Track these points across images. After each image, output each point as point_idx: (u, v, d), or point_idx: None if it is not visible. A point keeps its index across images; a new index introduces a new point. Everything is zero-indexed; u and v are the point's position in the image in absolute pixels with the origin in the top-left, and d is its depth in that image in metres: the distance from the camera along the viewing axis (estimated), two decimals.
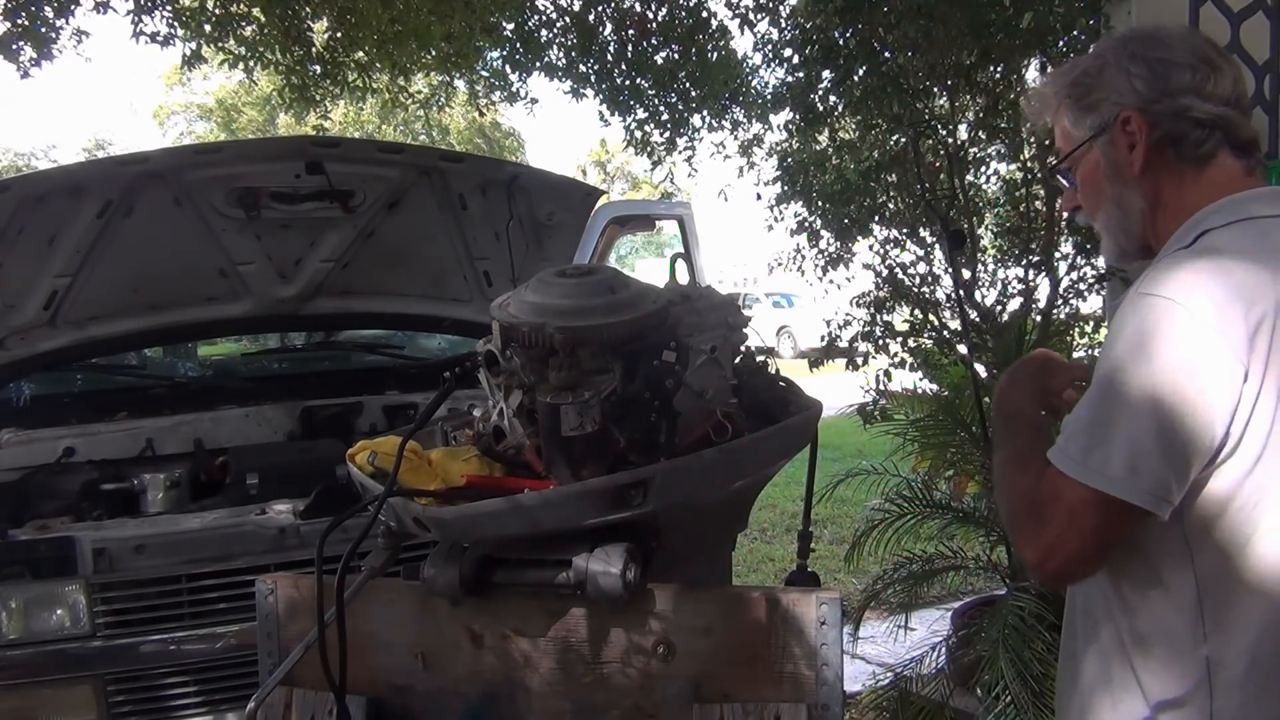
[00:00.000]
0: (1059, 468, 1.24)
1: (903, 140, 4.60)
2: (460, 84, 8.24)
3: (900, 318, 4.88)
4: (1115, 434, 1.19)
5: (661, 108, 7.06)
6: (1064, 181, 1.46)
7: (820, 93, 4.86)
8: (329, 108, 7.85)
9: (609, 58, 6.90)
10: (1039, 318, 4.43)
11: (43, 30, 5.31)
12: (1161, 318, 1.18)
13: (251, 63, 6.49)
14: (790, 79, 5.17)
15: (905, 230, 4.75)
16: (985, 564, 3.82)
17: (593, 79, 7.01)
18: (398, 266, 3.69)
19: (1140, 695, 1.28)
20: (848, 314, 4.95)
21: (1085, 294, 4.49)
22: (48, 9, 5.30)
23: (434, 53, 6.88)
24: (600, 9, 6.83)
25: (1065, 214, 1.57)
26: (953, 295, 4.46)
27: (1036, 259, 4.46)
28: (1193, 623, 1.22)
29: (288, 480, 2.90)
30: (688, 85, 7.01)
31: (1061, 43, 4.13)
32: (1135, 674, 1.28)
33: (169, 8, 5.96)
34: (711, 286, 1.91)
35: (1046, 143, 4.15)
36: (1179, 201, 1.34)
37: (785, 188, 5.05)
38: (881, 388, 4.77)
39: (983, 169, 4.88)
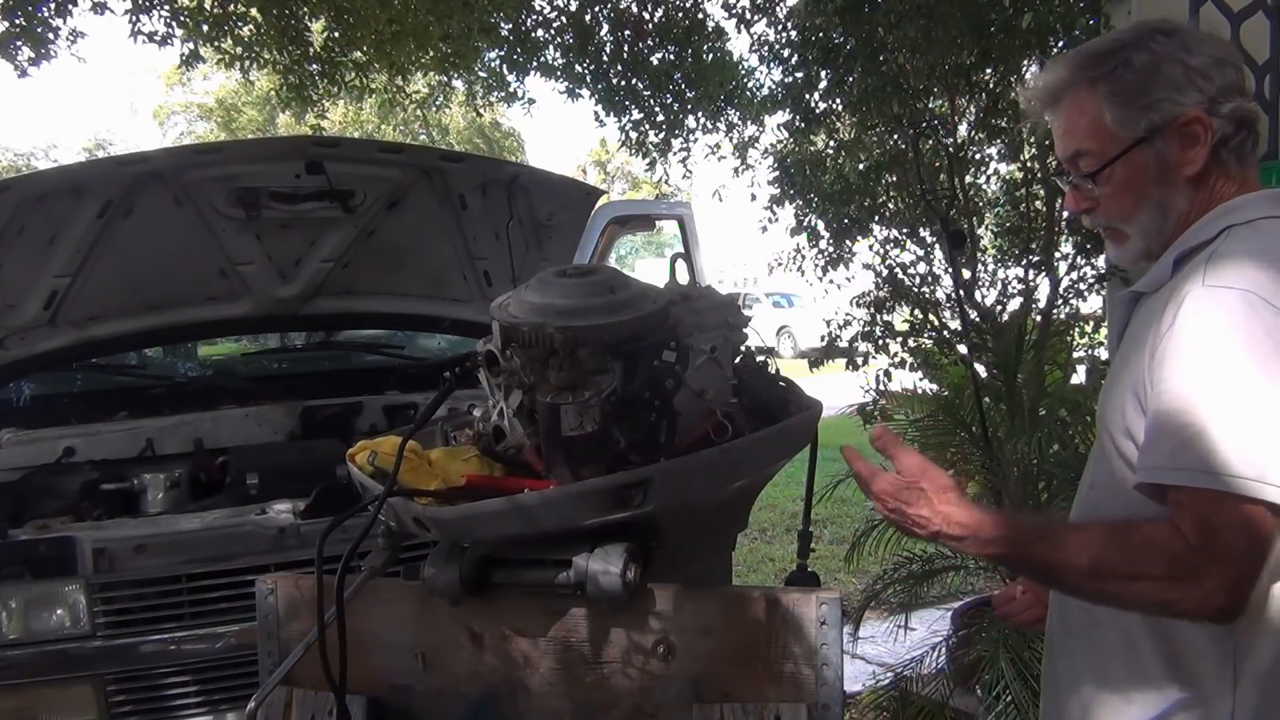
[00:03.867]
0: (1184, 484, 1.14)
1: (903, 141, 4.60)
2: (458, 84, 8.24)
3: (900, 318, 4.89)
4: (1232, 433, 1.12)
5: (657, 108, 7.06)
6: (1092, 184, 1.36)
7: (819, 93, 4.86)
8: (327, 107, 7.85)
9: (605, 58, 6.90)
10: (1039, 318, 4.43)
11: (40, 30, 5.30)
12: (1241, 309, 1.16)
13: (248, 62, 6.49)
14: (789, 79, 5.17)
15: (905, 230, 4.75)
16: (985, 564, 3.83)
17: (588, 79, 7.01)
18: (398, 266, 3.69)
19: (1158, 688, 1.26)
20: (848, 314, 4.95)
21: (1085, 294, 4.49)
22: (45, 9, 5.30)
23: (432, 53, 6.89)
24: (597, 9, 6.83)
25: (1068, 214, 1.45)
26: (953, 295, 4.46)
27: (1036, 259, 4.46)
28: None
29: (288, 480, 2.90)
30: (683, 86, 7.01)
31: (1061, 43, 4.13)
32: (1150, 669, 1.27)
33: (166, 7, 5.96)
34: (711, 286, 1.91)
35: (1046, 143, 4.15)
36: (1209, 202, 1.33)
37: (784, 188, 5.05)
38: (881, 388, 4.77)
39: (983, 169, 4.88)
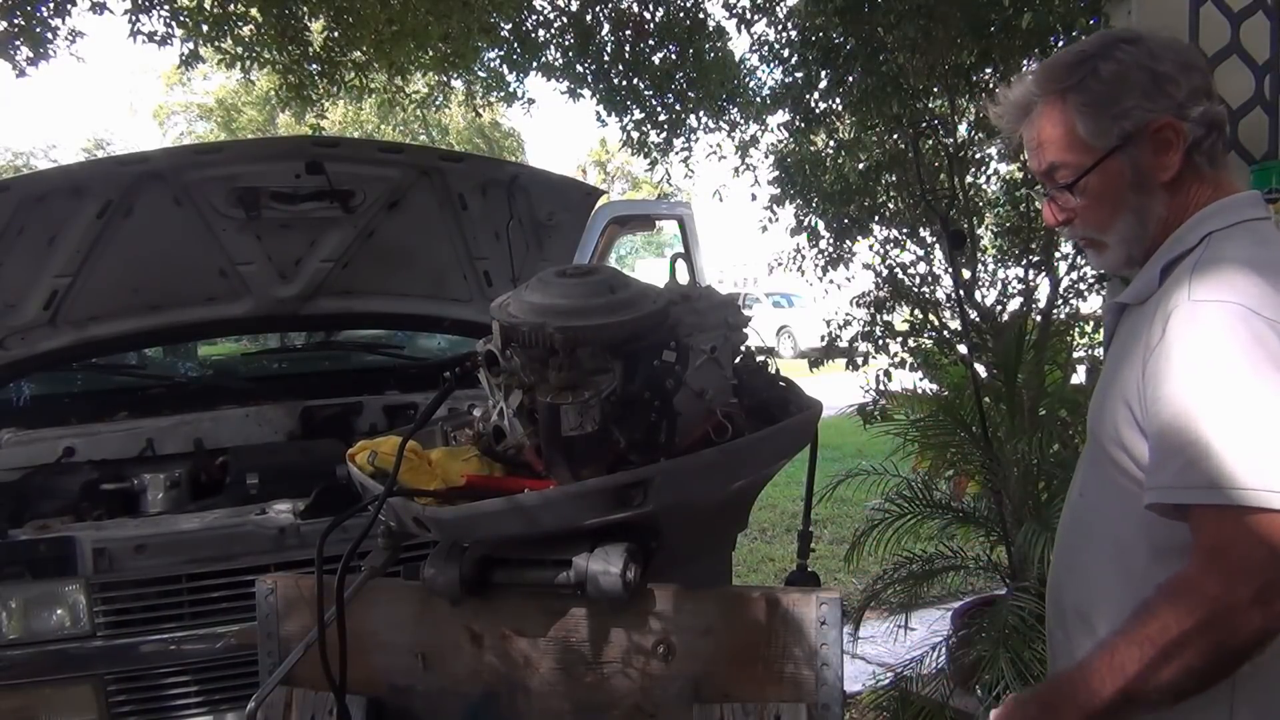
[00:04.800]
0: (1200, 502, 1.14)
1: (903, 141, 4.60)
2: (458, 84, 8.24)
3: (900, 318, 4.89)
4: (1236, 446, 1.12)
5: (658, 108, 7.07)
6: (1070, 195, 1.36)
7: (819, 93, 4.86)
8: (326, 107, 7.85)
9: (606, 58, 6.90)
10: (1039, 318, 4.43)
11: (39, 30, 5.30)
12: (1228, 321, 1.16)
13: (248, 62, 6.50)
14: (789, 79, 5.17)
15: (905, 230, 4.75)
16: (985, 564, 3.83)
17: (590, 79, 7.02)
18: (398, 266, 3.69)
19: None
20: (848, 314, 4.95)
21: (1085, 294, 4.49)
22: (43, 9, 5.30)
23: (431, 53, 6.89)
24: (598, 9, 6.83)
25: (1056, 228, 1.44)
26: (953, 295, 4.46)
27: (1036, 259, 4.46)
28: None
29: (288, 480, 2.90)
30: (684, 86, 7.01)
31: (1061, 43, 4.13)
32: None
33: (166, 7, 5.95)
34: (711, 286, 1.91)
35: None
36: (1186, 206, 1.34)
37: (785, 188, 5.05)
38: (881, 388, 4.77)
39: (983, 169, 4.88)
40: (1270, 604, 1.12)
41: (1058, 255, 4.48)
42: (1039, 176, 1.41)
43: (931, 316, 4.66)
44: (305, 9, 6.27)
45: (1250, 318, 1.15)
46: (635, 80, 6.93)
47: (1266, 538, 1.11)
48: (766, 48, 5.68)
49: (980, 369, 4.19)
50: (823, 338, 5.08)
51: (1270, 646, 1.19)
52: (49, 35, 5.39)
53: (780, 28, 5.55)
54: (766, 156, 5.61)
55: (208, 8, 6.12)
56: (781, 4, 5.70)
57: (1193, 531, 1.18)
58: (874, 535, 3.74)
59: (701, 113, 7.12)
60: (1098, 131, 1.32)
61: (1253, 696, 1.21)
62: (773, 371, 1.95)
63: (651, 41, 6.82)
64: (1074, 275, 4.45)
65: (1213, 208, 1.32)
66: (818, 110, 4.91)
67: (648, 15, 6.81)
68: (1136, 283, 1.36)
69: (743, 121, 6.89)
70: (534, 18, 7.04)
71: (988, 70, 4.40)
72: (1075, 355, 4.66)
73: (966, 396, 3.93)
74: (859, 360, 4.97)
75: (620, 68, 6.90)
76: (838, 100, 4.86)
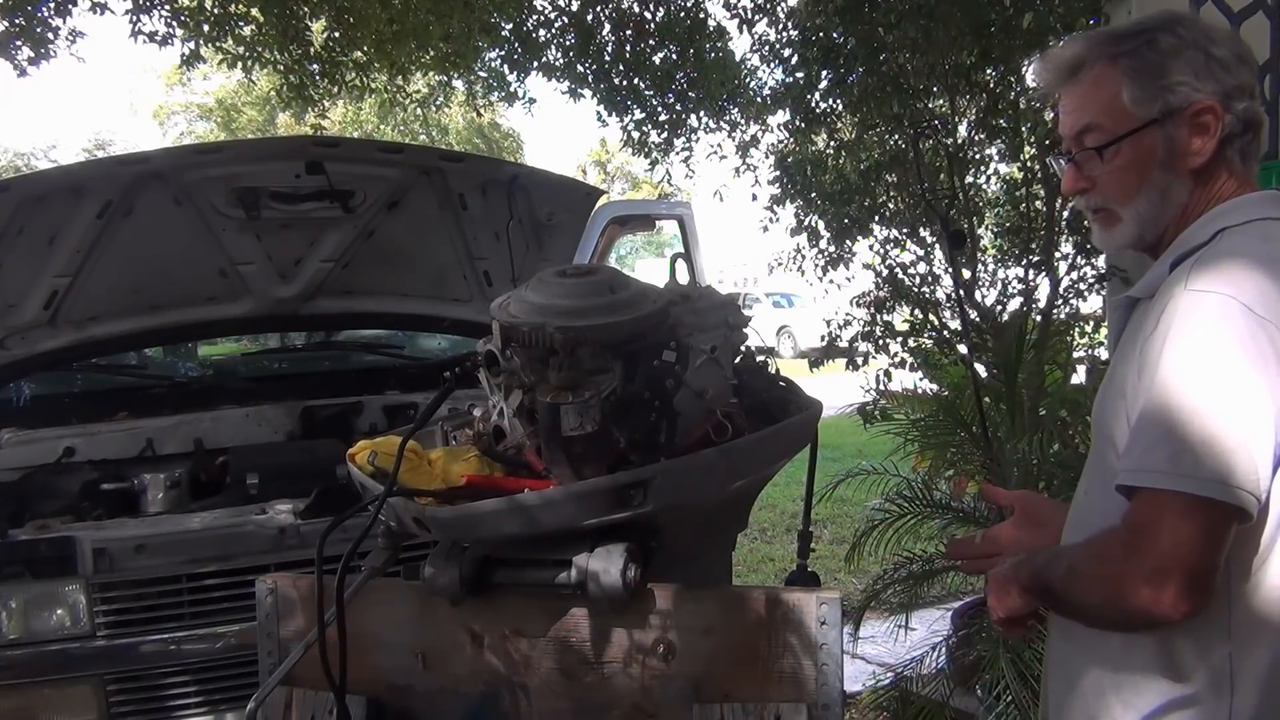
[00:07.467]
0: (1145, 485, 1.15)
1: (903, 141, 4.61)
2: (459, 84, 8.24)
3: (900, 318, 4.89)
4: (1198, 436, 1.12)
5: (659, 108, 7.07)
6: (1097, 160, 1.34)
7: (819, 93, 4.87)
8: (327, 107, 7.85)
9: (607, 58, 6.91)
10: (1039, 318, 4.43)
11: (39, 30, 5.31)
12: (1220, 313, 1.15)
13: (249, 62, 6.50)
14: (789, 79, 5.18)
15: (905, 230, 4.75)
16: None
17: (590, 79, 7.02)
18: (398, 266, 3.69)
19: (1155, 694, 1.25)
20: (848, 314, 4.95)
21: (1085, 294, 4.49)
22: (44, 9, 5.30)
23: (432, 53, 6.89)
24: (598, 9, 6.83)
25: (1066, 197, 1.42)
26: (953, 295, 4.46)
27: (1036, 259, 4.46)
28: (1219, 619, 1.20)
29: (288, 480, 2.90)
30: (685, 86, 7.01)
31: (1062, 42, 4.13)
32: (1149, 673, 1.26)
33: (167, 7, 5.96)
34: (711, 286, 1.91)
35: (1047, 142, 4.15)
36: (1209, 199, 1.33)
37: (786, 187, 5.06)
38: (881, 388, 4.77)
39: (983, 169, 4.89)
40: (1158, 588, 1.13)
41: (1058, 255, 4.49)
42: (1067, 140, 1.39)
43: (931, 316, 4.66)
44: (306, 9, 6.28)
45: (1240, 312, 1.15)
46: (636, 80, 6.94)
47: (1179, 525, 1.13)
48: (767, 47, 5.68)
49: (980, 369, 4.19)
50: (823, 338, 5.08)
51: (1268, 649, 1.20)
52: (50, 35, 5.40)
53: (780, 27, 5.56)
54: (767, 156, 5.62)
55: (208, 8, 6.12)
56: (782, 4, 5.70)
57: (1131, 503, 1.19)
58: (874, 535, 3.74)
59: (702, 113, 7.13)
60: (1141, 99, 1.31)
61: (1254, 686, 1.21)
62: (773, 371, 1.95)
63: (652, 41, 6.82)
64: (1074, 275, 4.45)
65: (1229, 204, 1.31)
66: (818, 110, 4.92)
67: (648, 15, 6.81)
68: (1148, 276, 1.35)
69: (743, 121, 6.89)
70: (535, 18, 7.05)
71: (988, 70, 4.40)
72: (1075, 355, 4.66)
73: (966, 396, 3.93)
74: (859, 360, 4.97)
75: (621, 68, 6.91)
76: (838, 100, 4.86)
